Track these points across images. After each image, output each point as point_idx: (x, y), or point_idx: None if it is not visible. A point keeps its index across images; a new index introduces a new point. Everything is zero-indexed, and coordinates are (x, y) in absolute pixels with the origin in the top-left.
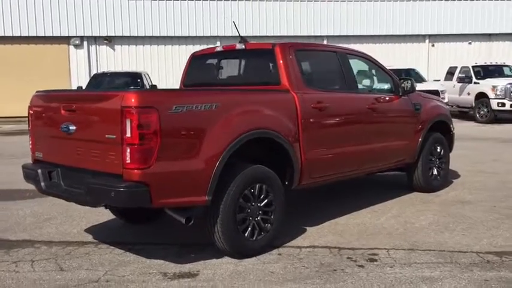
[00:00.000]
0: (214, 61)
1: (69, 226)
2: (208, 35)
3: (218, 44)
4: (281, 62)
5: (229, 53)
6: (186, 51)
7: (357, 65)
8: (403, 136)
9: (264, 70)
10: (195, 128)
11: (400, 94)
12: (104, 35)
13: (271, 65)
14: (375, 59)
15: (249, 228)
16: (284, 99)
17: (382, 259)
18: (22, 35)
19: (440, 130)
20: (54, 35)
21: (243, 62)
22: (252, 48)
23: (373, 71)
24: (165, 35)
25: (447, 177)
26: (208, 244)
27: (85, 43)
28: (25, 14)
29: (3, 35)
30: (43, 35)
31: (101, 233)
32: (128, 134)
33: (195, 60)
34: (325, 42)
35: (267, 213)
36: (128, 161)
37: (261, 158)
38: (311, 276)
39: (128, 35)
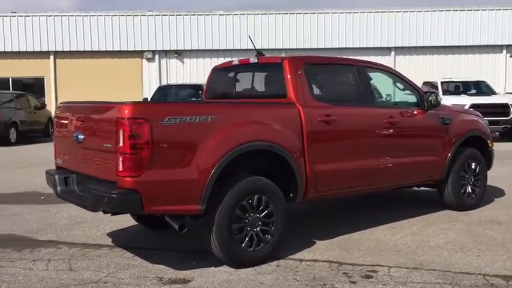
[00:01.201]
0: (231, 74)
1: (95, 229)
2: (273, 47)
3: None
4: (288, 75)
5: (244, 66)
6: None
7: (379, 79)
8: (429, 151)
9: (274, 83)
10: (189, 139)
11: (426, 108)
12: (174, 48)
13: (279, 78)
14: (399, 73)
15: (247, 239)
16: (288, 112)
17: (379, 277)
18: (100, 49)
19: (476, 146)
20: (129, 49)
21: (256, 75)
22: (264, 62)
23: (397, 85)
24: (231, 48)
25: (483, 195)
26: (212, 253)
27: (156, 57)
28: (103, 31)
29: (83, 49)
30: (119, 49)
31: (119, 237)
32: (121, 144)
33: (216, 73)
34: (392, 54)
35: (267, 224)
36: (121, 169)
37: (267, 170)
38: None
39: (196, 48)
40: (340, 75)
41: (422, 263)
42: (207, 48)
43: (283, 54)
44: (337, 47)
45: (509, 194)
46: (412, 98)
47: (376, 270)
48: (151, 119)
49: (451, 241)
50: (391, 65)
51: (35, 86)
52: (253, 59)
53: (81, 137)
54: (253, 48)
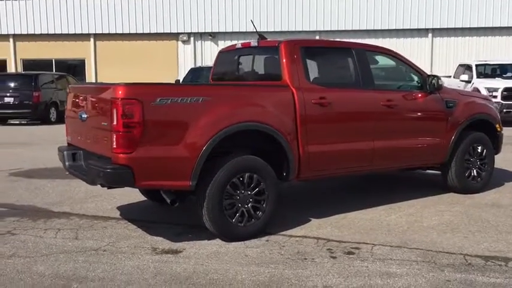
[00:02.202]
0: (235, 57)
1: (108, 203)
2: (308, 29)
3: (317, 37)
4: (284, 58)
5: (246, 49)
6: None
7: (382, 62)
8: (430, 134)
9: (271, 66)
10: (180, 119)
11: (429, 91)
12: (208, 31)
13: (276, 61)
14: (402, 56)
15: (238, 214)
16: (281, 94)
17: (360, 253)
18: (138, 31)
19: (483, 129)
20: (165, 31)
21: (256, 58)
22: (263, 45)
23: (400, 68)
24: (265, 30)
25: (489, 179)
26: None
27: (192, 39)
28: (140, 13)
29: (121, 32)
30: (155, 31)
31: (127, 211)
32: (114, 122)
33: (221, 56)
34: (430, 35)
35: (258, 201)
36: (114, 146)
37: (263, 150)
38: (278, 261)
39: (231, 30)
40: (337, 59)
41: (408, 242)
42: (241, 31)
43: (317, 37)
44: (376, 28)
45: None
46: (415, 81)
47: (360, 247)
48: (143, 99)
49: (444, 222)
50: (428, 47)
51: (78, 67)
52: (253, 43)
53: (84, 116)
54: (257, 32)
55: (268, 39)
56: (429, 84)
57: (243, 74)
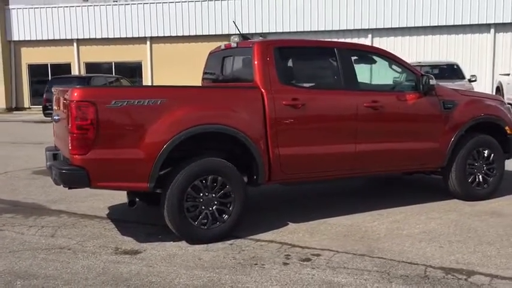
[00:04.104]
0: (220, 59)
1: (103, 203)
2: (359, 27)
3: (369, 36)
4: (255, 59)
5: (229, 51)
6: None
7: (371, 62)
8: (423, 137)
9: (246, 67)
10: (136, 121)
11: (422, 91)
12: (259, 31)
13: (250, 62)
14: (394, 55)
15: (200, 217)
16: (249, 95)
17: (317, 261)
18: (191, 34)
19: (491, 132)
20: (217, 33)
21: (235, 60)
22: (241, 46)
23: (392, 68)
24: (316, 29)
25: (498, 185)
26: None
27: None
28: (193, 16)
29: (175, 34)
30: (208, 33)
31: (117, 211)
32: (70, 124)
33: (210, 57)
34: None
35: (224, 204)
36: (70, 147)
37: (233, 151)
38: (226, 266)
39: (281, 31)
40: (317, 59)
41: (374, 251)
42: (291, 31)
43: (369, 36)
44: (433, 24)
45: None
46: (408, 81)
47: (321, 254)
48: (97, 102)
49: (427, 231)
50: (490, 44)
51: (136, 70)
52: (233, 44)
53: (56, 117)
54: (240, 33)
55: (247, 41)
56: (423, 84)
57: (226, 75)
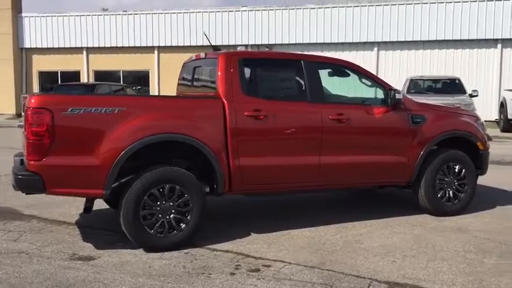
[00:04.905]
0: (191, 69)
1: (76, 209)
2: (365, 40)
3: (375, 49)
4: (219, 70)
5: (199, 61)
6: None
7: (340, 75)
8: (390, 151)
9: (211, 78)
10: (93, 129)
11: (390, 105)
12: (265, 43)
13: (214, 73)
14: (363, 69)
15: (156, 225)
16: (210, 106)
17: (265, 272)
18: (198, 44)
19: (463, 148)
20: (223, 43)
21: (203, 70)
22: (209, 57)
23: (360, 81)
24: (322, 41)
25: (469, 201)
26: None
27: (249, 50)
28: (201, 26)
29: (182, 44)
30: (214, 44)
31: (88, 218)
32: (26, 131)
33: (183, 68)
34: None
35: (182, 213)
36: (26, 153)
37: (195, 162)
38: (172, 275)
39: (287, 42)
40: (282, 72)
41: (326, 263)
42: (297, 42)
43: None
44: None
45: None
46: (378, 95)
47: (272, 265)
48: (53, 109)
49: (385, 245)
50: (374, 60)
51: (144, 79)
52: (202, 54)
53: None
54: (211, 45)
55: (216, 52)
56: (390, 98)
57: (195, 85)
